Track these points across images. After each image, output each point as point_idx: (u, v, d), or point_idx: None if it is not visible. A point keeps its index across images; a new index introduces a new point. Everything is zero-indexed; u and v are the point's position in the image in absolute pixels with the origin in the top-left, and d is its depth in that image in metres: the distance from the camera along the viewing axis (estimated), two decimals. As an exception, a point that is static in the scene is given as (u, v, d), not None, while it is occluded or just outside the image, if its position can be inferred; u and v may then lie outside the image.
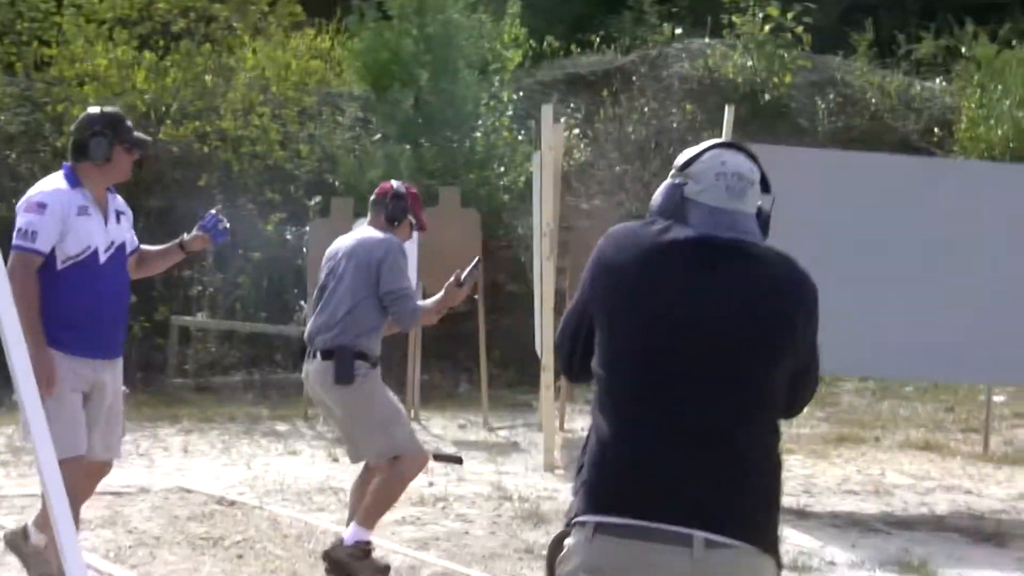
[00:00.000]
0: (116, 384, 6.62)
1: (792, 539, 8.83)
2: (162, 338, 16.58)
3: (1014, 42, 24.23)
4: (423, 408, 14.79)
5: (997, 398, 14.52)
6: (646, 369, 3.43)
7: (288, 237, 17.76)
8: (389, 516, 9.00)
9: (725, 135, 10.76)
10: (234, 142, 18.23)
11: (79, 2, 17.98)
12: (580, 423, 14.75)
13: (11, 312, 3.74)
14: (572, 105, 22.65)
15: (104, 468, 6.70)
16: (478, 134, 18.84)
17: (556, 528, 8.80)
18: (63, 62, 17.78)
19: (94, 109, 6.73)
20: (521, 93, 21.50)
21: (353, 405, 7.30)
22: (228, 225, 7.02)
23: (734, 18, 24.07)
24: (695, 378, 3.39)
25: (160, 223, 14.88)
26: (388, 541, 8.34)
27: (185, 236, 6.99)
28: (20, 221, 6.32)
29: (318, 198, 17.72)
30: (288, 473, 10.85)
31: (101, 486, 7.05)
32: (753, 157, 3.65)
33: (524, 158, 19.21)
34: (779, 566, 3.44)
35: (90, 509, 7.82)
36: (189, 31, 18.92)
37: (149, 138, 7.30)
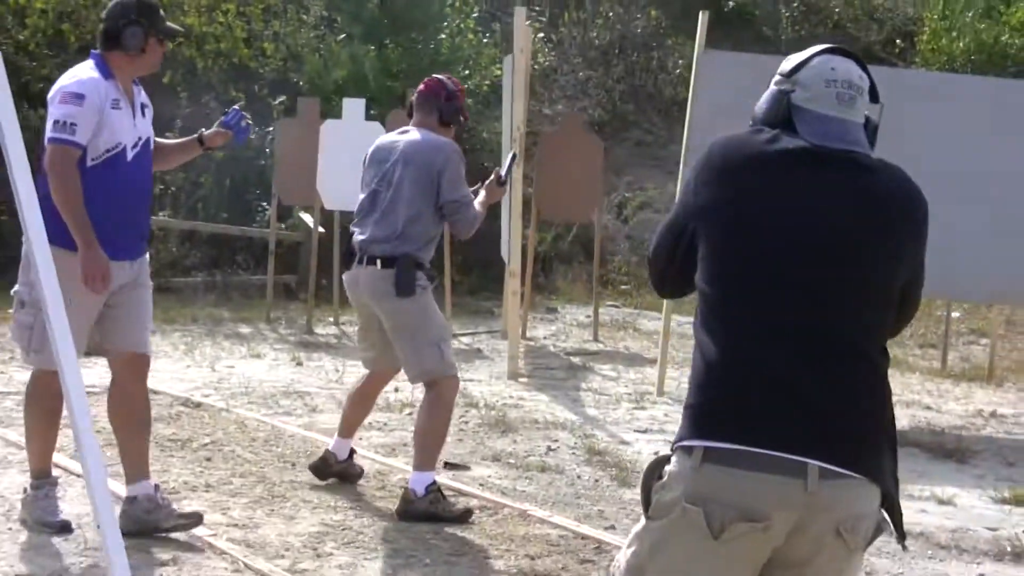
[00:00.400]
0: (144, 280, 6.31)
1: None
2: (123, 236, 16.44)
3: (978, -46, 24.17)
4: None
5: (954, 314, 14.63)
6: (760, 283, 3.25)
7: (252, 137, 17.59)
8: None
9: (698, 43, 10.71)
10: (198, 39, 18.02)
11: None
12: (542, 331, 14.82)
13: (35, 209, 3.56)
14: (536, 8, 22.49)
15: (144, 361, 6.40)
16: (443, 35, 18.70)
17: (523, 436, 8.91)
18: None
19: None
20: (487, -6, 21.40)
21: (408, 317, 6.87)
22: (251, 122, 6.75)
23: (700, -77, 23.92)
24: (814, 291, 3.23)
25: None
26: (355, 446, 8.34)
27: (204, 131, 6.68)
28: (56, 112, 5.89)
29: (283, 97, 17.62)
30: (253, 376, 10.84)
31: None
32: (862, 64, 3.49)
33: (489, 61, 19.12)
34: (887, 497, 3.30)
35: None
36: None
37: (181, 29, 6.92)
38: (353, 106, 14.15)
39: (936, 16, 23.15)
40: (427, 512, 6.73)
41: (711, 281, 3.32)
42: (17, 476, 7.03)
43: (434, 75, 7.32)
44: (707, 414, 3.21)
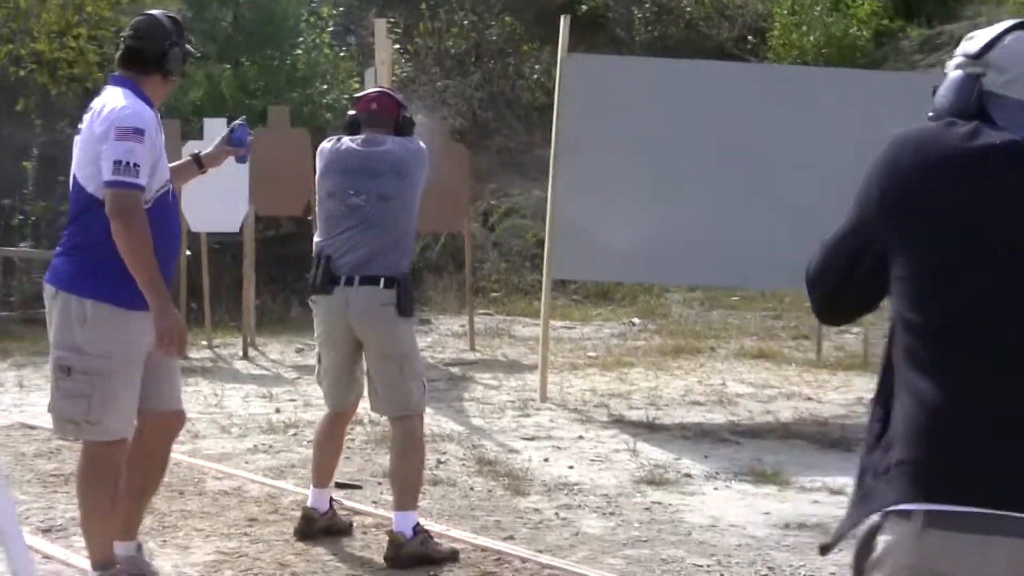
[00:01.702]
0: None
1: (645, 453, 8.94)
2: (-17, 270, 16.16)
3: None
4: (258, 334, 14.62)
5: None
6: (995, 308, 2.63)
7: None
8: (241, 445, 8.96)
9: (561, 47, 10.74)
10: (50, 65, 17.72)
11: None
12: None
13: None
14: (392, 19, 22.42)
15: (180, 419, 5.83)
16: (300, 51, 18.58)
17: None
18: None
19: (160, 13, 5.61)
20: (341, 9, 21.28)
21: (402, 343, 6.37)
22: (252, 138, 6.25)
23: (550, -72, 24.05)
24: None
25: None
26: (243, 471, 8.24)
27: (200, 151, 6.14)
28: (115, 151, 5.16)
29: (139, 121, 17.37)
30: (130, 405, 10.64)
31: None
32: None
33: (347, 75, 19.04)
34: None
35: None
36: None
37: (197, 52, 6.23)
38: (213, 126, 13.95)
39: (786, 11, 23.49)
40: (418, 554, 6.30)
41: (921, 306, 2.71)
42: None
43: (379, 90, 6.88)
44: (931, 470, 2.62)
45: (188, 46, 5.63)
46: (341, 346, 6.52)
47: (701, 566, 6.35)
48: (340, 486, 7.86)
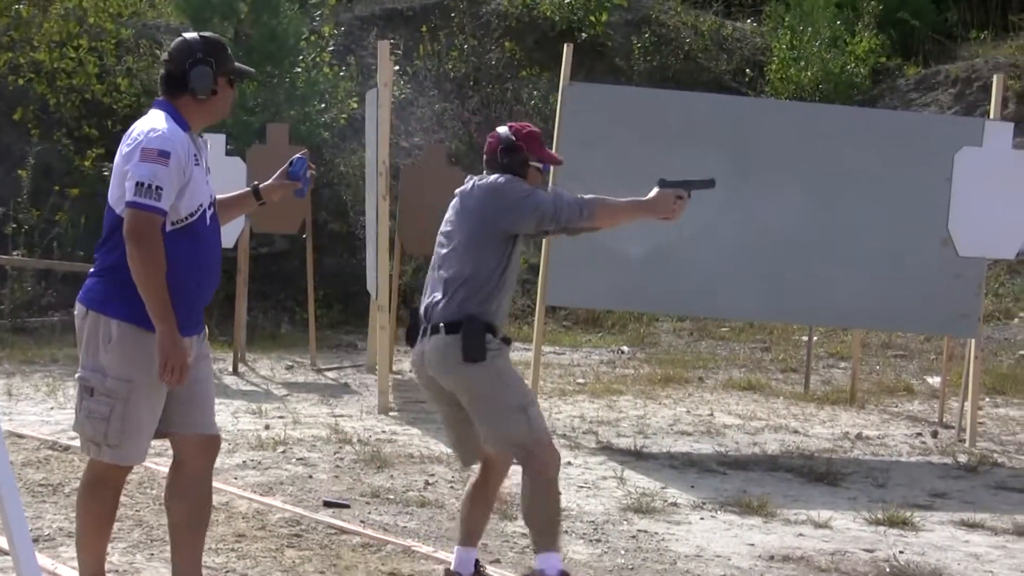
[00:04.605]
0: (206, 351, 5.61)
1: (632, 481, 8.97)
2: (-24, 278, 16.17)
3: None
4: (248, 350, 14.65)
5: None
6: None
7: (106, 174, 17.31)
8: (230, 461, 8.97)
9: (563, 75, 10.83)
10: (49, 75, 17.77)
11: None
12: (407, 364, 14.75)
13: None
14: (392, 40, 22.47)
15: (215, 443, 5.75)
16: (299, 69, 18.60)
17: (400, 471, 8.86)
18: None
19: (191, 35, 5.52)
20: (342, 28, 21.34)
21: (482, 385, 5.91)
22: (315, 172, 6.05)
23: (551, -44, 24.13)
24: None
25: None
26: (231, 487, 8.26)
27: (259, 183, 5.98)
28: (139, 173, 5.09)
29: (134, 131, 17.40)
30: (119, 416, 10.64)
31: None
32: None
33: (346, 94, 19.10)
34: None
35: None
36: (2, -41, 18.40)
37: (252, 69, 6.02)
38: (212, 142, 13.96)
39: (784, 46, 23.55)
40: None
41: None
42: None
43: (496, 129, 6.40)
44: None
45: (230, 64, 5.49)
46: (440, 405, 6.19)
47: (686, 596, 6.39)
48: (328, 504, 7.89)
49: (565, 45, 11.00)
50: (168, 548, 6.67)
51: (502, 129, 6.35)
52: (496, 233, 6.00)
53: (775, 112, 12.51)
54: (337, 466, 9.06)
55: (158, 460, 8.97)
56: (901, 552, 7.37)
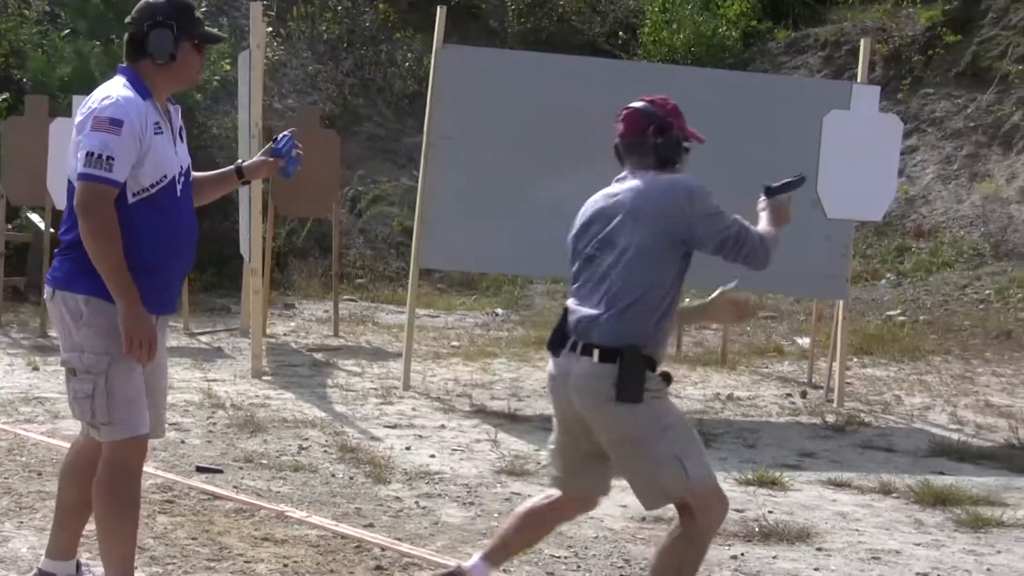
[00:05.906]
0: (164, 341, 5.27)
1: (506, 444, 9.02)
2: None
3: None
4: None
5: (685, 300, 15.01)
6: None
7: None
8: (101, 427, 8.85)
9: (436, 37, 10.80)
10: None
11: None
12: (281, 328, 14.73)
13: None
14: (265, 2, 22.29)
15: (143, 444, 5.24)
16: (170, 30, 18.37)
17: (274, 436, 8.83)
18: None
19: None
20: (214, -11, 21.15)
21: (633, 428, 4.94)
22: (301, 152, 5.65)
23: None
24: None
25: None
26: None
27: (243, 161, 5.68)
28: (89, 142, 4.80)
29: (5, 95, 17.13)
30: (-14, 383, 10.54)
31: None
32: None
33: (218, 56, 18.90)
34: None
35: None
36: None
37: (224, 34, 5.65)
38: (81, 104, 13.77)
39: (657, 9, 23.69)
40: None
41: None
42: None
43: (633, 104, 5.50)
44: None
45: (197, 28, 5.12)
46: (563, 424, 5.24)
47: (558, 557, 6.43)
48: (201, 470, 7.85)
49: (439, 7, 10.96)
50: (37, 515, 6.63)
51: (640, 103, 5.45)
52: (677, 245, 5.14)
53: (647, 75, 12.57)
54: (210, 431, 9.01)
55: (28, 427, 8.89)
56: (770, 512, 7.48)
